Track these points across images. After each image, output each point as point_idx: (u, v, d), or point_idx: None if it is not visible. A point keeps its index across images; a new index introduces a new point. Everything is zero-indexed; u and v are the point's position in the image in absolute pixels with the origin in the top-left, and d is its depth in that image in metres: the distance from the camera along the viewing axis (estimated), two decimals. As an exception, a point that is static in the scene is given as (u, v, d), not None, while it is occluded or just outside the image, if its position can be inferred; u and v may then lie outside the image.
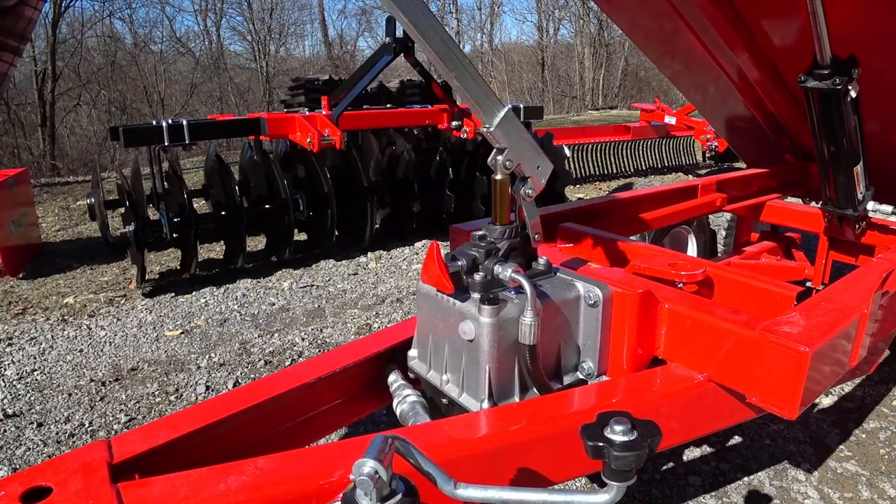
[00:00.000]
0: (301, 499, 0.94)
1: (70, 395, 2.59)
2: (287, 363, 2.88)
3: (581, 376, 1.38)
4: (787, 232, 3.11)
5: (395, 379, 1.45)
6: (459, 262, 1.24)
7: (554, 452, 1.16)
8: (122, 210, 3.87)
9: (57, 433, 2.32)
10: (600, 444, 0.76)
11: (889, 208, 2.48)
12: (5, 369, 2.82)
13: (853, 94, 1.92)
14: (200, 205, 4.98)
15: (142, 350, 3.02)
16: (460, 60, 1.14)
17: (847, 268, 2.27)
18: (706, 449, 2.13)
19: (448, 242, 1.92)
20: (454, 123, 4.98)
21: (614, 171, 8.17)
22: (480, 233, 1.32)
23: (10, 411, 2.46)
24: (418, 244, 4.84)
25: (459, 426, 1.15)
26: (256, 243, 4.78)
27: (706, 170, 8.76)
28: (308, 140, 4.10)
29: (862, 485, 1.96)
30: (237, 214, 3.97)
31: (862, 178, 2.24)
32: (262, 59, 25.19)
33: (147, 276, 3.97)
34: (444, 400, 1.34)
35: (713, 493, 1.92)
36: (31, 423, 2.38)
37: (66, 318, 3.43)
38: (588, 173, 7.93)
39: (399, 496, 0.73)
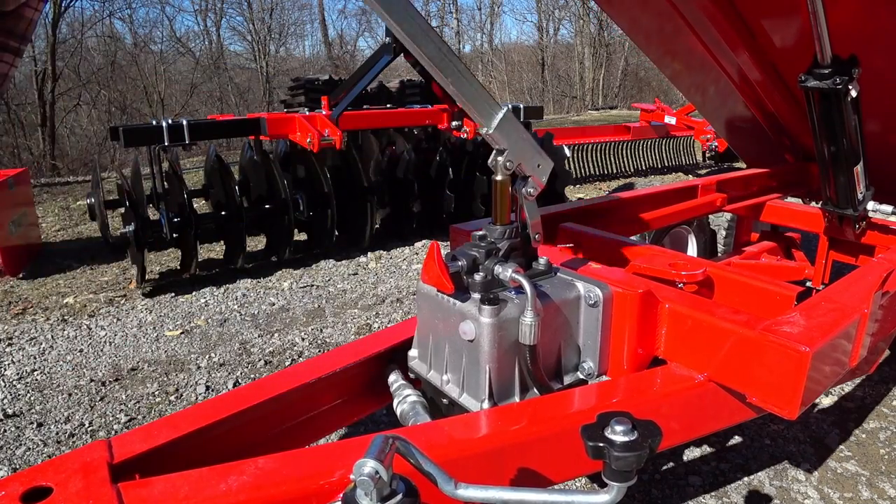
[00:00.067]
0: (301, 499, 0.94)
1: (70, 395, 2.59)
2: (287, 363, 2.87)
3: (581, 376, 1.38)
4: (787, 232, 3.11)
5: (395, 379, 1.45)
6: (460, 262, 1.24)
7: (554, 452, 1.16)
8: (122, 210, 3.87)
9: (57, 433, 2.32)
10: (601, 444, 0.76)
11: (889, 208, 2.48)
12: (5, 369, 2.82)
13: (853, 93, 1.92)
14: (200, 205, 4.98)
15: (142, 350, 3.02)
16: (455, 65, 1.13)
17: (847, 268, 2.27)
18: (706, 449, 2.13)
19: (448, 242, 1.92)
20: (454, 123, 4.97)
21: (614, 171, 8.17)
22: (480, 233, 1.32)
23: (10, 411, 2.46)
24: (418, 244, 4.84)
25: (460, 426, 1.15)
26: (256, 243, 4.78)
27: (706, 170, 8.76)
28: (308, 140, 4.10)
29: (862, 485, 1.96)
30: (237, 214, 3.97)
31: (862, 178, 2.24)
32: (262, 59, 25.20)
33: (147, 276, 3.97)
34: (444, 400, 1.34)
35: (713, 493, 1.92)
36: (31, 423, 2.38)
37: (66, 318, 3.43)
38: (588, 173, 7.93)
39: (399, 496, 0.73)
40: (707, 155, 8.90)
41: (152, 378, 2.74)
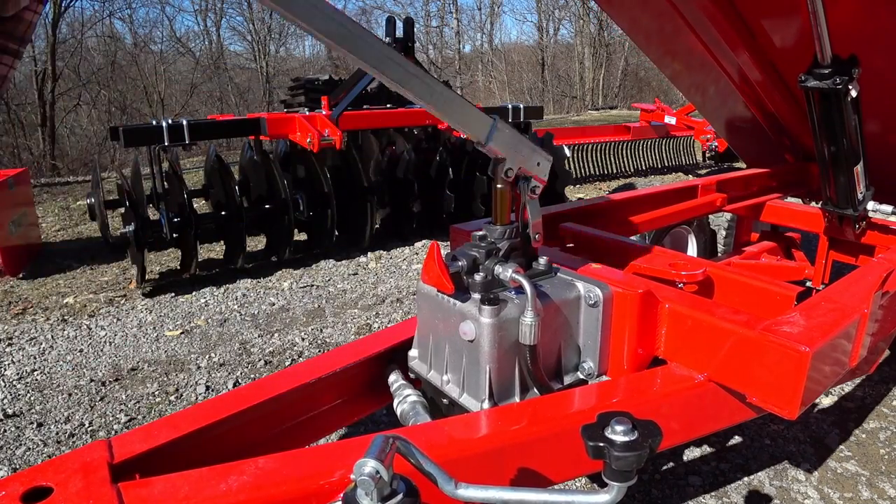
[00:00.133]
0: (302, 499, 0.94)
1: (70, 395, 2.59)
2: (287, 363, 2.88)
3: (581, 376, 1.38)
4: (787, 232, 3.11)
5: (395, 379, 1.45)
6: (460, 263, 1.24)
7: (554, 452, 1.16)
8: (122, 210, 3.87)
9: (57, 433, 2.32)
10: (601, 444, 0.76)
11: (889, 208, 2.48)
12: (5, 369, 2.82)
13: (853, 93, 1.92)
14: (200, 205, 4.98)
15: (142, 350, 3.02)
16: (440, 92, 1.11)
17: (847, 268, 2.27)
18: (706, 449, 2.13)
19: (448, 242, 1.92)
20: (454, 123, 4.97)
21: (614, 171, 8.17)
22: (481, 233, 1.32)
23: (10, 411, 2.46)
24: (418, 244, 4.84)
25: (460, 426, 1.15)
26: (256, 243, 4.78)
27: (706, 170, 8.76)
28: (308, 140, 4.10)
29: (862, 485, 1.96)
30: (237, 214, 3.97)
31: (862, 178, 2.24)
32: (262, 59, 25.20)
33: (147, 276, 3.97)
34: (444, 400, 1.34)
35: (713, 493, 1.92)
36: (31, 423, 2.38)
37: (66, 318, 3.43)
38: (588, 173, 7.93)
39: (400, 496, 0.73)
40: (707, 155, 8.90)
41: (152, 378, 2.74)
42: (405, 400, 1.36)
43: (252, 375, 2.75)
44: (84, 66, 19.87)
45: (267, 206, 4.16)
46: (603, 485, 0.79)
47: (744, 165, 3.65)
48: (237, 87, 24.97)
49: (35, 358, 2.94)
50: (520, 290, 1.22)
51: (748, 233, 3.20)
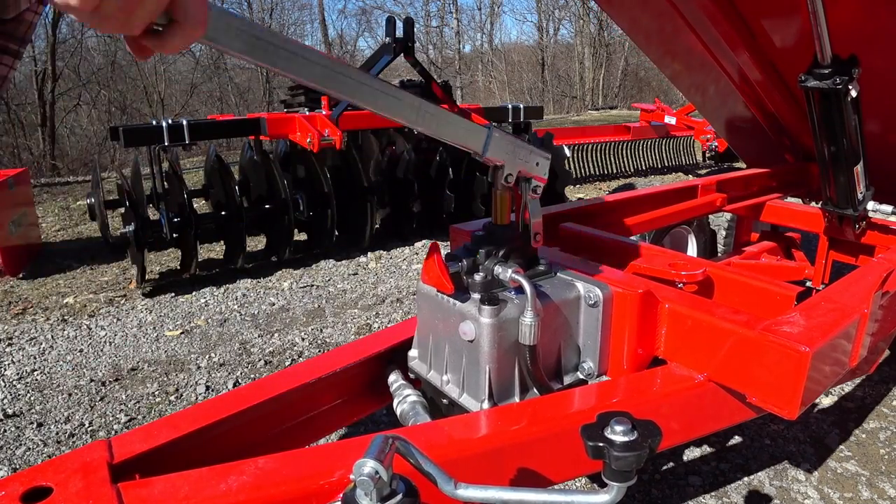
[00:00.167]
0: (301, 499, 0.94)
1: (70, 395, 2.60)
2: (287, 363, 2.88)
3: (581, 376, 1.38)
4: (787, 232, 3.11)
5: (395, 379, 1.45)
6: (459, 263, 1.24)
7: (554, 452, 1.16)
8: (122, 210, 3.88)
9: (57, 433, 2.32)
10: (600, 444, 0.76)
11: (889, 208, 2.48)
12: (5, 369, 2.82)
13: (853, 93, 1.92)
14: (200, 205, 4.98)
15: (142, 350, 3.02)
16: (423, 109, 1.10)
17: (847, 268, 2.27)
18: (706, 449, 2.13)
19: (448, 242, 1.92)
20: (454, 123, 4.97)
21: (614, 171, 8.17)
22: (480, 233, 1.32)
23: (10, 411, 2.46)
24: (418, 244, 4.84)
25: (460, 426, 1.15)
26: (256, 243, 4.78)
27: (706, 170, 8.76)
28: (308, 140, 4.10)
29: (862, 485, 1.96)
30: (237, 214, 3.97)
31: (862, 178, 2.24)
32: (262, 58, 25.15)
33: (147, 276, 3.97)
34: (444, 400, 1.34)
35: (713, 493, 1.92)
36: (31, 423, 2.38)
37: (66, 318, 3.43)
38: (588, 173, 7.93)
39: (399, 496, 0.73)
40: (707, 155, 8.90)
41: (152, 378, 2.74)
42: (405, 400, 1.36)
43: (252, 375, 2.75)
44: (84, 66, 19.87)
45: (267, 206, 4.16)
46: (603, 485, 0.79)
47: (744, 165, 3.65)
48: (237, 87, 24.97)
49: (35, 358, 2.94)
50: (519, 290, 1.22)
51: (748, 233, 3.20)
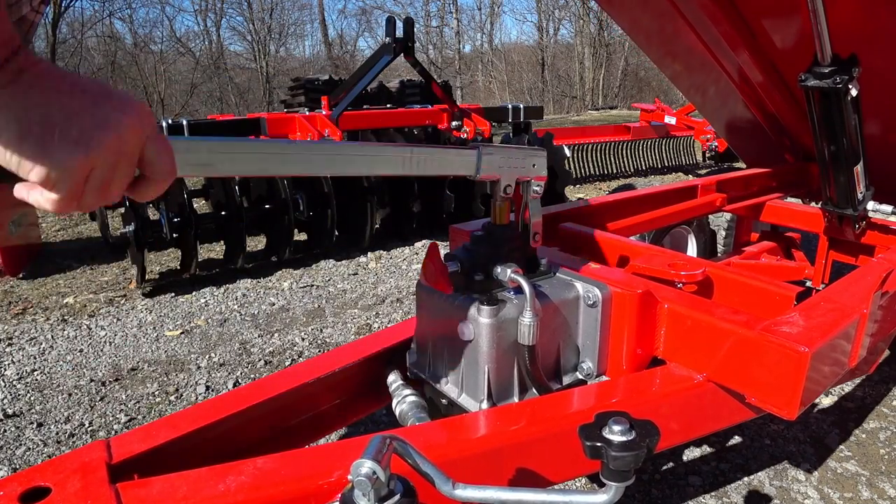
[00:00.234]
0: (300, 499, 0.94)
1: (70, 395, 2.60)
2: (287, 363, 2.88)
3: (580, 376, 1.38)
4: (787, 232, 3.10)
5: (394, 379, 1.45)
6: (459, 263, 1.24)
7: (553, 453, 1.16)
8: (122, 210, 3.88)
9: (57, 433, 2.32)
10: (598, 444, 0.76)
11: (889, 208, 2.48)
12: (5, 369, 2.82)
13: (853, 92, 1.92)
14: (200, 205, 4.98)
15: (142, 350, 3.02)
16: (405, 156, 1.10)
17: (847, 268, 2.27)
18: (706, 449, 2.13)
19: (448, 242, 1.92)
20: (454, 123, 4.98)
21: (614, 171, 8.17)
22: (480, 233, 1.32)
23: (10, 411, 2.46)
24: (418, 244, 4.84)
25: (458, 426, 1.15)
26: (256, 243, 4.78)
27: (706, 170, 8.76)
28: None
29: (862, 485, 1.96)
30: (237, 214, 3.97)
31: (862, 178, 2.24)
32: (262, 59, 25.22)
33: (147, 276, 3.97)
34: (443, 400, 1.34)
35: (713, 493, 1.92)
36: (31, 423, 2.38)
37: (66, 318, 3.43)
38: (588, 173, 7.93)
39: (397, 497, 0.73)
40: (707, 155, 8.90)
41: (152, 378, 2.74)
42: (404, 400, 1.36)
43: (252, 375, 2.75)
44: (84, 66, 19.89)
45: (267, 206, 4.16)
46: (602, 485, 0.79)
47: (744, 165, 3.65)
48: (237, 87, 24.99)
49: (35, 358, 2.94)
50: (518, 290, 1.22)
51: (748, 233, 3.20)
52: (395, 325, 1.63)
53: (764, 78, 2.67)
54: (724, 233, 3.33)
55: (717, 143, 8.51)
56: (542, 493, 0.81)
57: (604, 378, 1.39)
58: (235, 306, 3.57)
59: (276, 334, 3.18)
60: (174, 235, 3.80)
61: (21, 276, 4.17)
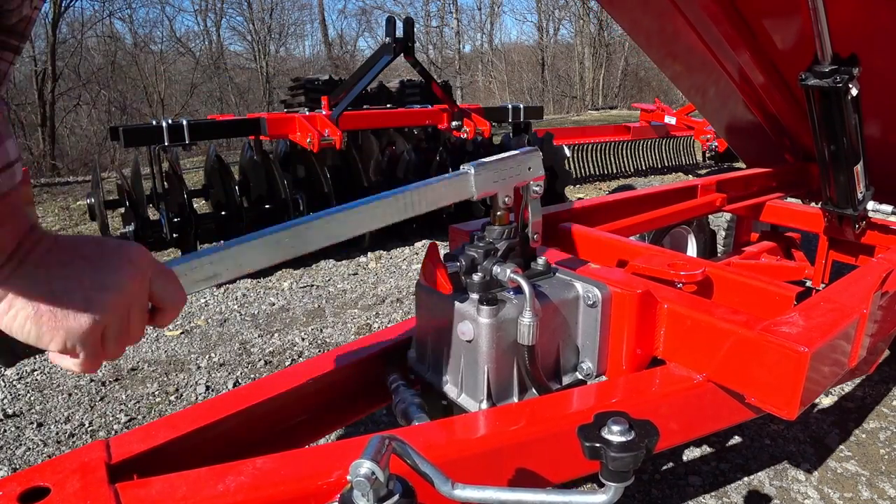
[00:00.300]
0: (299, 499, 0.94)
1: (70, 395, 2.60)
2: (287, 363, 2.88)
3: (580, 376, 1.38)
4: (787, 232, 3.10)
5: (394, 379, 1.44)
6: (458, 263, 1.24)
7: (552, 453, 1.15)
8: (122, 210, 3.88)
9: (57, 433, 2.32)
10: (597, 444, 0.75)
11: (889, 208, 2.48)
12: (5, 369, 2.82)
13: (854, 92, 1.92)
14: (200, 205, 4.98)
15: (142, 350, 3.02)
16: (412, 198, 1.12)
17: (847, 268, 2.27)
18: (706, 449, 2.13)
19: (448, 242, 1.92)
20: (454, 123, 4.98)
21: (614, 171, 8.17)
22: (479, 233, 1.32)
23: (10, 411, 2.46)
24: (418, 244, 4.84)
25: (458, 426, 1.15)
26: (256, 243, 4.77)
27: (706, 170, 8.76)
28: (308, 140, 4.11)
29: (862, 485, 1.96)
30: (237, 214, 3.97)
31: (862, 178, 2.24)
32: (262, 59, 25.21)
33: (147, 276, 3.96)
34: (442, 401, 1.34)
35: (713, 493, 1.91)
36: (31, 423, 2.38)
37: (65, 318, 3.43)
38: (588, 173, 7.93)
39: (396, 497, 0.72)
40: (707, 155, 8.90)
41: (152, 378, 2.74)
42: (404, 400, 1.36)
43: (252, 375, 2.75)
44: (84, 66, 19.89)
45: (267, 206, 4.16)
46: (601, 485, 0.78)
47: (744, 165, 3.64)
48: (237, 87, 24.99)
49: (35, 358, 2.94)
50: (518, 290, 1.22)
51: (748, 233, 3.20)
52: (395, 325, 1.63)
53: (764, 78, 2.67)
54: (724, 233, 3.33)
55: (717, 143, 8.51)
56: (541, 493, 0.81)
57: (603, 378, 1.39)
58: (235, 306, 3.57)
59: (276, 334, 3.18)
60: (174, 235, 3.81)
61: (21, 276, 4.16)
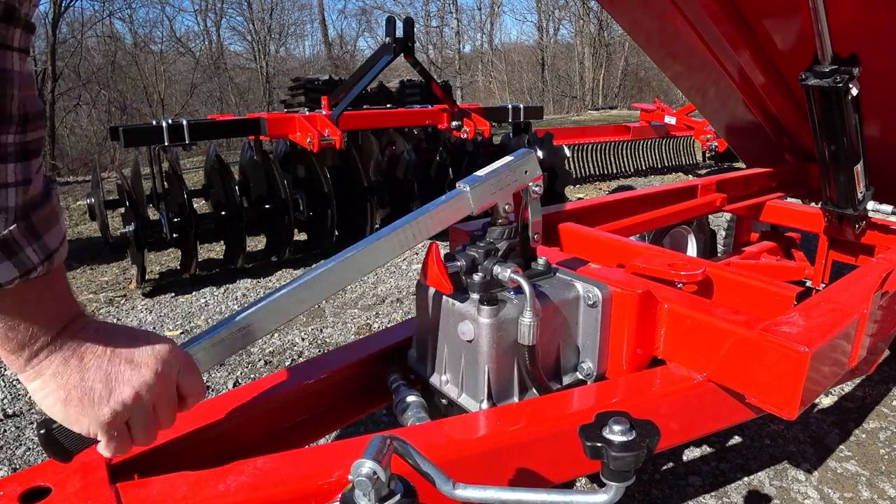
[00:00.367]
0: (300, 499, 0.94)
1: (70, 395, 2.59)
2: (287, 363, 2.88)
3: (580, 377, 1.38)
4: (787, 232, 3.10)
5: (394, 379, 1.44)
6: (458, 263, 1.24)
7: (553, 453, 1.16)
8: (122, 210, 3.87)
9: (57, 433, 2.32)
10: (598, 444, 0.76)
11: (889, 208, 2.48)
12: (5, 369, 2.81)
13: (854, 92, 1.92)
14: (200, 205, 4.98)
15: (142, 350, 3.02)
16: (411, 229, 1.16)
17: (847, 268, 2.27)
18: (706, 449, 2.13)
19: (448, 242, 1.92)
20: (454, 123, 4.98)
21: (614, 171, 8.16)
22: (479, 233, 1.32)
23: (10, 411, 2.46)
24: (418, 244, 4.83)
25: (458, 426, 1.15)
26: (256, 243, 4.78)
27: (706, 170, 8.76)
28: (308, 140, 4.11)
29: (862, 485, 1.96)
30: (237, 214, 3.97)
31: (862, 178, 2.24)
32: (262, 59, 25.22)
33: (147, 276, 3.97)
34: (443, 400, 1.34)
35: (713, 493, 1.92)
36: (32, 423, 2.38)
37: (66, 318, 3.43)
38: (588, 173, 7.93)
39: (398, 497, 0.73)
40: (707, 155, 8.90)
41: (152, 378, 2.74)
42: (404, 400, 1.36)
43: (252, 375, 2.75)
44: (84, 66, 19.89)
45: (267, 206, 4.16)
46: (602, 485, 0.79)
47: (744, 165, 3.65)
48: (237, 87, 24.99)
49: (35, 358, 2.94)
50: (518, 290, 1.22)
51: (748, 233, 3.20)
52: (395, 325, 1.63)
53: (765, 78, 2.67)
54: (724, 233, 3.33)
55: (717, 143, 8.51)
56: (542, 493, 0.81)
57: (604, 378, 1.39)
58: (235, 306, 3.57)
59: (276, 334, 3.18)
60: (174, 235, 3.80)
61: (21, 276, 4.16)
